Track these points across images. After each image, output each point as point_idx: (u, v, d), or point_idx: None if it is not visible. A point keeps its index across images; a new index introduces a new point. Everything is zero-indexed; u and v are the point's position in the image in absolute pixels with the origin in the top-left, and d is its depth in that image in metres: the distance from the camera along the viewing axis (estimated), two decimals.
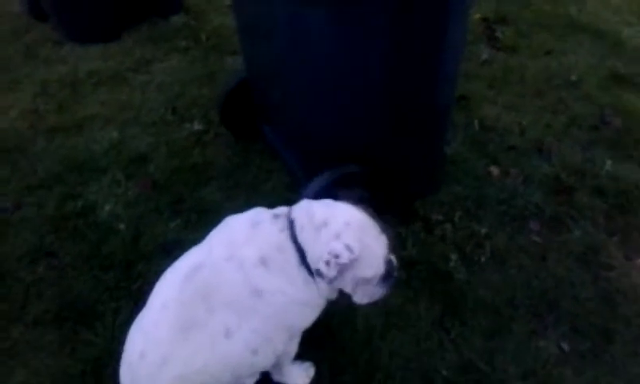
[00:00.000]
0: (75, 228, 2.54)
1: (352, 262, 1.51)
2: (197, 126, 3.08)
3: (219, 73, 3.50)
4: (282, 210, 1.66)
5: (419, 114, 2.21)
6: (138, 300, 2.14)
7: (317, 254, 1.52)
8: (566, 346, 2.10)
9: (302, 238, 1.56)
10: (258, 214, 1.66)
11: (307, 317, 1.69)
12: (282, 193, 2.62)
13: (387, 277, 1.65)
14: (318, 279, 1.56)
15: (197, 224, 2.52)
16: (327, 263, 1.48)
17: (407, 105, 2.15)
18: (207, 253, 1.63)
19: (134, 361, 1.59)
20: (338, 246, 1.49)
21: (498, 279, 2.31)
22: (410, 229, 2.47)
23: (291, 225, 1.58)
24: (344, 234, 1.52)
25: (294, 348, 1.81)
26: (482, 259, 2.38)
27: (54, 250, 2.45)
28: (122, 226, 2.53)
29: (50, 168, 2.87)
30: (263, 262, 1.55)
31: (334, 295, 1.68)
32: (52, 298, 2.26)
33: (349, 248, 1.49)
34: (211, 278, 1.56)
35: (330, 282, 1.51)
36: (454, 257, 2.36)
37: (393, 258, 1.68)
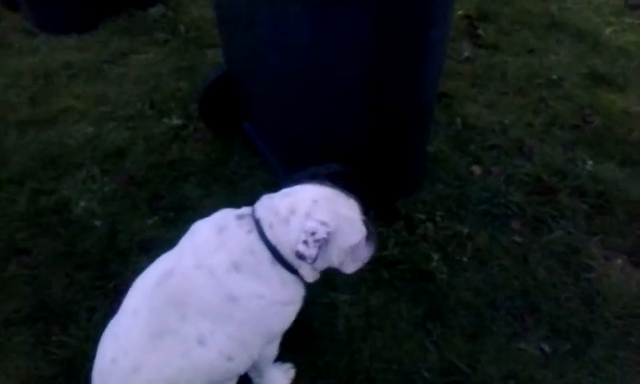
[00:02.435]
0: (49, 225, 2.47)
1: (330, 236, 1.50)
2: (175, 121, 3.02)
3: (198, 66, 3.43)
4: (245, 210, 1.63)
5: (401, 113, 2.20)
6: (113, 300, 2.10)
7: (292, 242, 1.50)
8: (546, 348, 2.10)
9: (272, 236, 1.53)
10: (223, 217, 1.63)
11: (286, 318, 1.66)
12: (262, 190, 2.53)
13: (369, 235, 1.65)
14: (301, 263, 1.54)
15: (175, 221, 2.47)
16: (305, 243, 1.47)
17: (389, 103, 2.13)
18: (177, 260, 1.60)
19: (105, 367, 1.57)
20: (312, 224, 1.48)
21: (480, 280, 2.30)
22: (392, 228, 2.45)
23: (258, 224, 1.55)
24: (314, 212, 1.51)
25: (273, 351, 1.78)
26: (464, 259, 2.37)
27: (26, 248, 2.38)
28: (97, 223, 2.47)
29: (22, 162, 2.79)
30: (236, 267, 1.52)
31: (317, 276, 1.65)
32: (24, 297, 2.21)
33: (323, 223, 1.49)
34: (182, 285, 1.53)
35: (313, 261, 1.49)
36: (435, 256, 2.35)
37: (365, 217, 1.67)
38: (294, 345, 1.96)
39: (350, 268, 1.67)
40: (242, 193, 2.60)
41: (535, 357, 2.07)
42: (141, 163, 2.78)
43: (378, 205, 2.44)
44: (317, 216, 1.49)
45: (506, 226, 2.52)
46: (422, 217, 2.51)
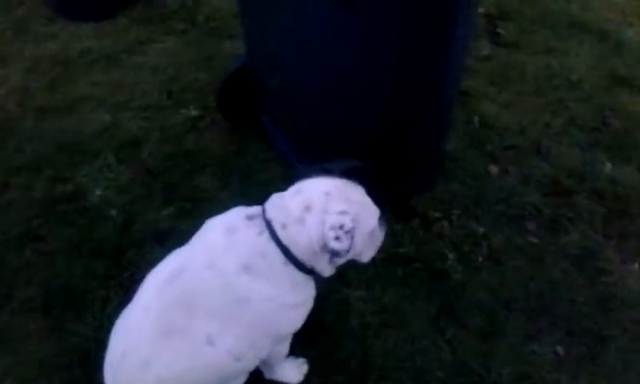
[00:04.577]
0: (65, 212, 2.48)
1: (355, 223, 1.48)
2: (192, 112, 3.01)
3: (217, 57, 3.42)
4: (255, 209, 1.60)
5: (422, 109, 2.18)
6: (128, 289, 2.08)
7: (311, 240, 1.48)
8: (560, 351, 2.09)
9: (285, 237, 1.51)
10: (234, 218, 1.60)
11: (295, 320, 1.65)
12: (278, 183, 2.56)
13: (380, 217, 1.65)
14: (318, 260, 1.52)
15: (191, 212, 2.46)
16: (337, 238, 1.45)
17: (409, 101, 2.11)
18: (188, 258, 1.59)
19: (115, 360, 1.58)
20: (334, 218, 1.46)
21: (495, 280, 2.29)
22: (408, 225, 2.44)
23: (269, 225, 1.52)
24: (331, 205, 1.49)
25: (284, 350, 1.79)
26: (479, 259, 2.36)
27: (42, 235, 2.39)
28: (113, 212, 2.48)
29: (39, 149, 2.79)
30: (246, 269, 1.50)
31: (333, 271, 1.63)
32: (40, 284, 2.21)
33: (345, 213, 1.47)
34: (191, 284, 1.52)
35: (347, 252, 1.48)
36: (451, 256, 2.34)
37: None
38: (307, 340, 1.95)
39: (368, 255, 1.67)
40: (258, 186, 2.59)
41: (549, 359, 2.06)
42: (157, 153, 2.78)
43: (393, 202, 2.43)
44: (336, 208, 1.48)
45: (521, 226, 2.51)
46: (438, 215, 2.49)
